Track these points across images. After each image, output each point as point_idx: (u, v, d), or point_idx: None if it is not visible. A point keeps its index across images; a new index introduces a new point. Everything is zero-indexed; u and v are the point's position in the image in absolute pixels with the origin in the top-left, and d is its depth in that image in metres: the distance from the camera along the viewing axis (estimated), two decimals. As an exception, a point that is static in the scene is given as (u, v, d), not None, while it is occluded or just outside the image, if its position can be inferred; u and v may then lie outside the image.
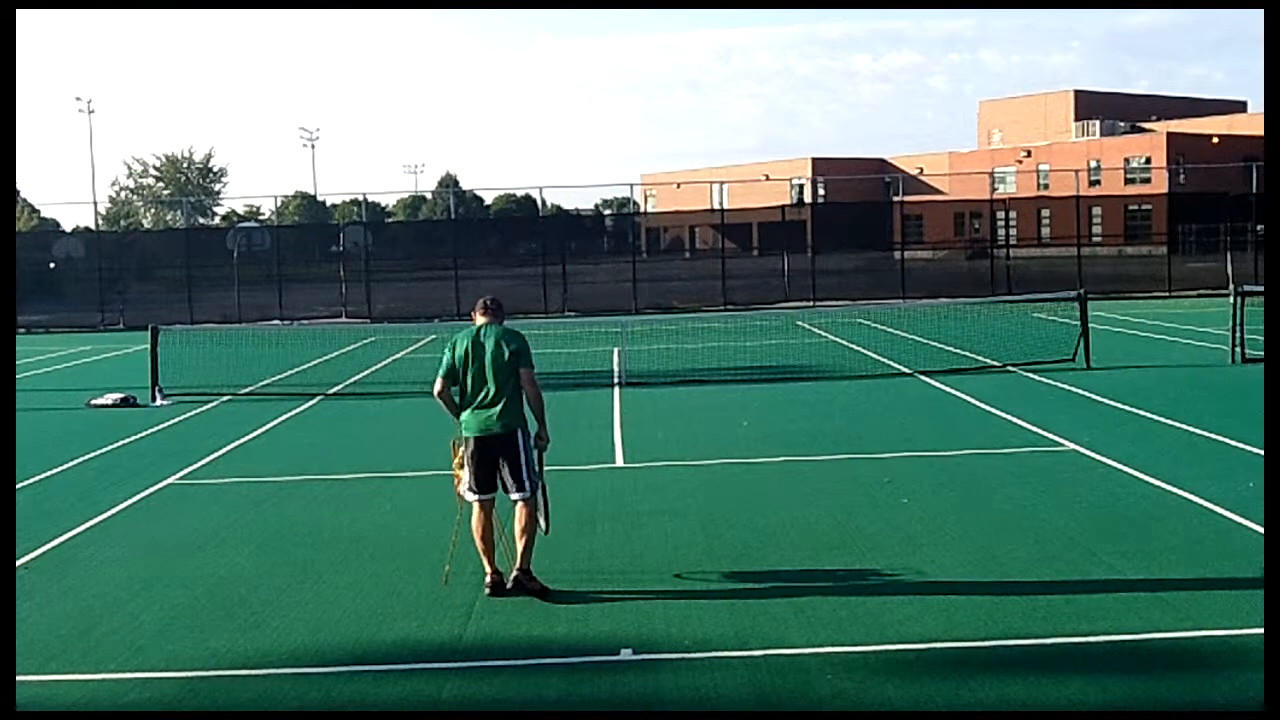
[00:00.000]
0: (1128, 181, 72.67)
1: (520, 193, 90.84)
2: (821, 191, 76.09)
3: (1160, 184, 66.71)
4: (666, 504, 10.86)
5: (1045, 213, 61.20)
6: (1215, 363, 20.14)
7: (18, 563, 9.25)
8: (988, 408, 15.91)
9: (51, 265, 47.06)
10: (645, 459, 13.13)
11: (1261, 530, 9.15)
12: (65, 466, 13.55)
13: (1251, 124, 74.80)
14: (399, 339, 28.91)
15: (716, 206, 52.27)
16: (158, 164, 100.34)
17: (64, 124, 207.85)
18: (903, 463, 12.50)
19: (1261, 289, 20.37)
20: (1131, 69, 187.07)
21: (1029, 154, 79.17)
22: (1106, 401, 16.15)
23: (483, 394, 8.27)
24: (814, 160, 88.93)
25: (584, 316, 36.46)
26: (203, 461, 13.74)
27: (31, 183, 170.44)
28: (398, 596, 8.32)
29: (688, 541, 9.52)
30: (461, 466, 8.53)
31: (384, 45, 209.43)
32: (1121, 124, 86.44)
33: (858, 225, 58.73)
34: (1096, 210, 62.49)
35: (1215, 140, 73.28)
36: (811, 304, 38.18)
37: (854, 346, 24.54)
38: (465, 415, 8.35)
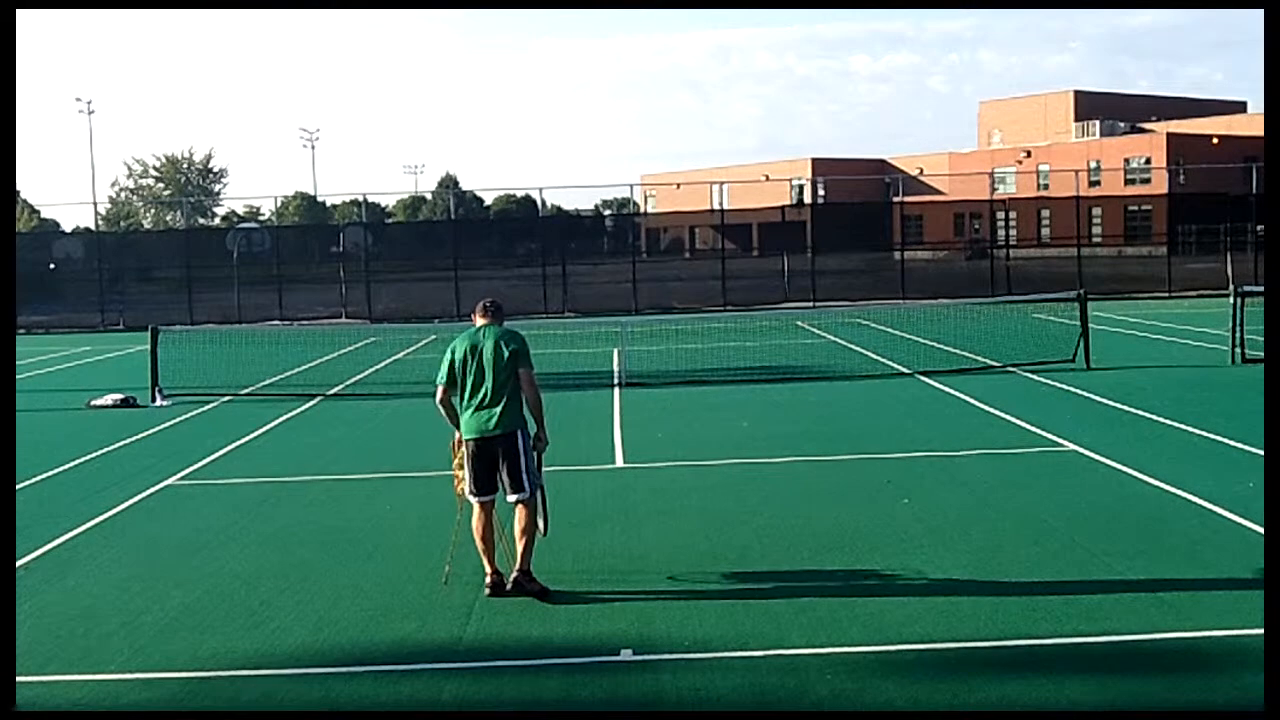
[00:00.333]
0: (1128, 182, 72.69)
1: (520, 193, 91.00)
2: (821, 192, 76.06)
3: (1160, 184, 66.73)
4: (666, 504, 10.87)
5: (1045, 213, 61.24)
6: (1215, 363, 20.14)
7: (18, 563, 9.25)
8: (988, 408, 15.91)
9: (51, 266, 47.08)
10: (645, 459, 13.13)
11: (1261, 530, 9.15)
12: (65, 467, 13.56)
13: (1251, 124, 74.82)
14: (399, 339, 28.92)
15: (716, 207, 52.25)
16: (158, 164, 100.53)
17: (64, 124, 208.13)
18: (903, 463, 12.51)
19: (1261, 289, 20.37)
20: (1131, 69, 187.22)
21: (1029, 154, 79.19)
22: (1106, 402, 16.15)
23: (482, 395, 8.27)
24: (814, 160, 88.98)
25: (584, 317, 36.45)
26: (203, 462, 13.74)
27: (31, 183, 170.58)
28: (398, 596, 8.32)
29: (687, 542, 9.52)
30: (461, 467, 8.53)
31: (384, 46, 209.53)
32: (1121, 124, 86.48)
33: (858, 226, 58.68)
34: (1096, 211, 62.52)
35: (1215, 141, 73.28)
36: (811, 304, 38.17)
37: (854, 347, 24.54)
38: (464, 416, 8.35)
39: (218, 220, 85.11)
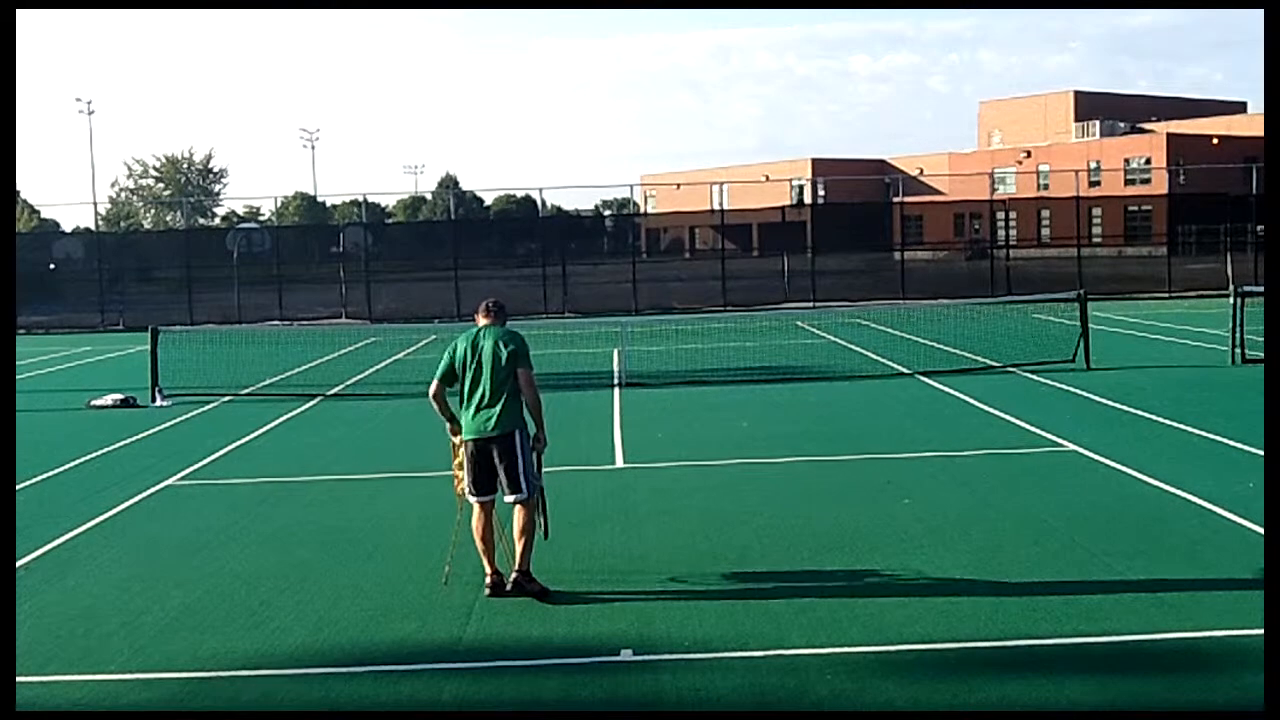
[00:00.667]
0: (1128, 182, 72.70)
1: (520, 193, 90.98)
2: (821, 192, 76.07)
3: (1160, 185, 66.73)
4: (666, 504, 10.87)
5: (1045, 213, 61.25)
6: (1215, 363, 20.14)
7: (18, 563, 9.25)
8: (988, 408, 15.91)
9: (51, 266, 47.08)
10: (645, 459, 13.13)
11: (1261, 530, 9.15)
12: (65, 467, 13.56)
13: (1251, 124, 74.84)
14: (399, 340, 28.92)
15: (716, 207, 52.27)
16: (158, 164, 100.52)
17: (64, 124, 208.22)
18: (903, 463, 12.51)
19: (1261, 290, 20.37)
20: (1131, 69, 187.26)
21: (1029, 154, 79.20)
22: (1106, 402, 16.15)
23: (481, 395, 8.27)
24: (814, 161, 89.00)
25: (584, 317, 36.45)
26: (203, 462, 13.74)
27: (31, 183, 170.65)
28: (398, 596, 8.32)
29: (687, 542, 9.52)
30: (461, 467, 8.53)
31: (384, 46, 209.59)
32: (1121, 124, 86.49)
33: (858, 226, 58.74)
34: (1096, 211, 62.52)
35: (1215, 141, 73.29)
36: (811, 304, 38.16)
37: (854, 347, 24.54)
38: (464, 417, 8.35)
39: (218, 220, 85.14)
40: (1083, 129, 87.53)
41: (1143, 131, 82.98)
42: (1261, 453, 11.84)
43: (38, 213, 75.07)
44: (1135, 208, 67.50)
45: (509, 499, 8.26)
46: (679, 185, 73.87)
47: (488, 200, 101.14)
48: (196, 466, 13.48)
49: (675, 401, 17.76)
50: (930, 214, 69.95)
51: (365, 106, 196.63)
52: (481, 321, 8.58)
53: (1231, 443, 12.85)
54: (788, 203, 67.97)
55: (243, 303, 39.95)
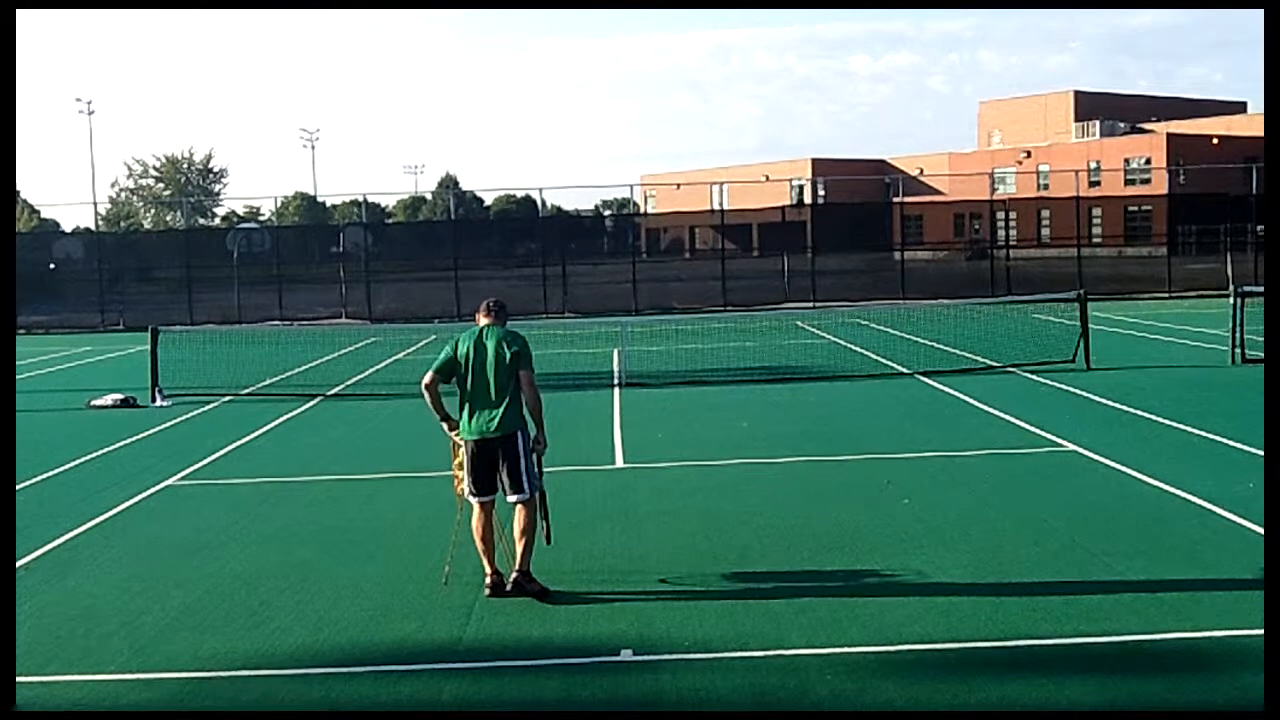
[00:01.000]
0: (1128, 182, 72.70)
1: (520, 193, 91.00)
2: (821, 192, 76.08)
3: (1160, 185, 66.75)
4: (666, 504, 10.86)
5: (1045, 213, 61.26)
6: (1215, 363, 20.14)
7: (18, 563, 9.25)
8: (988, 408, 15.91)
9: (51, 266, 47.08)
10: (645, 459, 13.13)
11: (1261, 530, 9.15)
12: (65, 467, 13.55)
13: (1251, 125, 74.84)
14: (399, 340, 28.91)
15: (716, 207, 52.29)
16: (158, 164, 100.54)
17: (64, 124, 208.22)
18: (903, 463, 12.51)
19: (1261, 290, 20.37)
20: (1131, 70, 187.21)
21: (1029, 155, 79.20)
22: (1106, 402, 16.15)
23: (483, 396, 8.26)
24: (814, 161, 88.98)
25: (584, 317, 36.45)
26: (203, 462, 13.74)
27: (31, 183, 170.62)
28: (398, 596, 8.32)
29: (688, 542, 9.52)
30: (461, 467, 8.53)
31: (384, 46, 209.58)
32: (1121, 125, 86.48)
33: (858, 226, 58.73)
34: (1096, 211, 62.53)
35: (1215, 141, 73.29)
36: (811, 305, 38.16)
37: (854, 347, 24.54)
38: (464, 417, 8.34)
39: (218, 220, 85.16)
40: (1083, 129, 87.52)
41: (1143, 131, 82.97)
42: (1261, 453, 11.84)
43: (38, 213, 75.12)
44: (1135, 208, 67.51)
45: (511, 499, 8.26)
46: (679, 185, 73.88)
47: (488, 200, 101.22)
48: (196, 466, 13.48)
49: (675, 401, 17.76)
50: (930, 214, 69.95)
51: (365, 106, 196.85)
52: (483, 321, 8.57)
53: (1231, 443, 12.85)
54: (788, 203, 67.96)
55: (243, 303, 39.95)
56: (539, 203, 49.80)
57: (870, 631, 7.34)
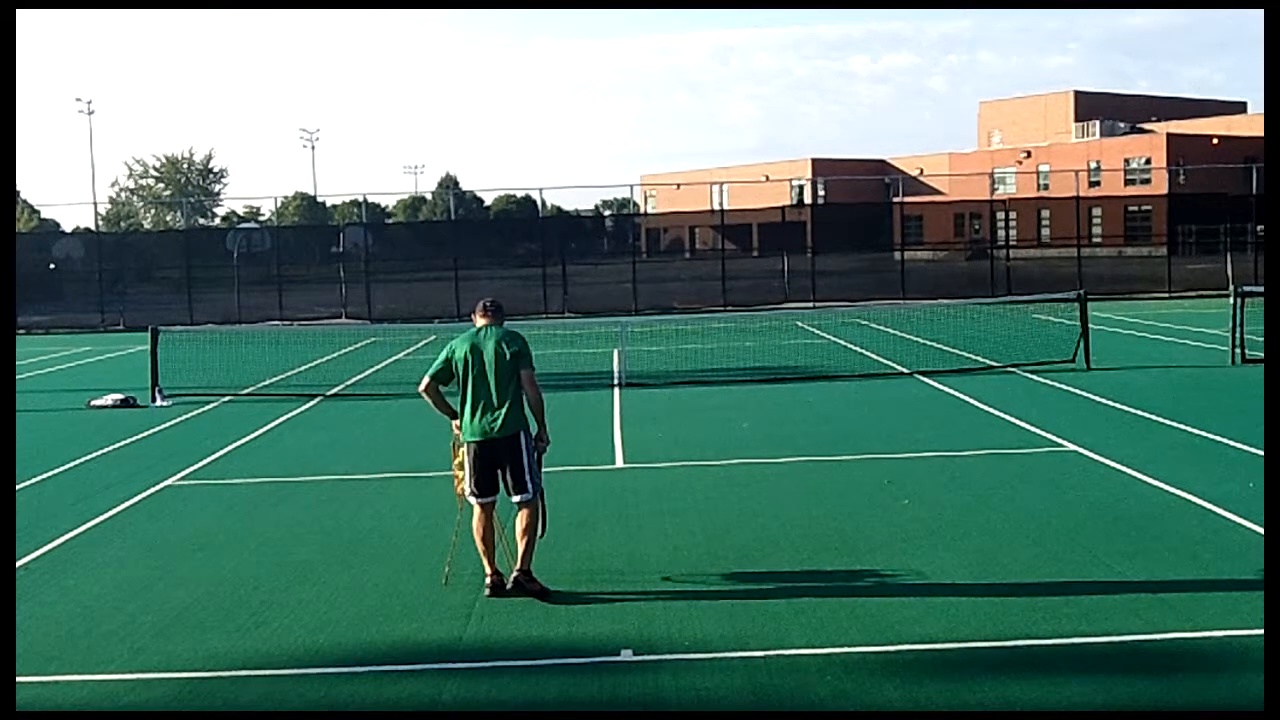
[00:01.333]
0: (1127, 182, 72.70)
1: (520, 193, 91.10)
2: (821, 192, 76.12)
3: (1160, 185, 66.73)
4: (666, 505, 10.86)
5: (1045, 213, 61.27)
6: (1215, 363, 20.14)
7: (18, 563, 9.25)
8: (988, 408, 15.91)
9: (51, 266, 47.10)
10: (645, 460, 13.13)
11: (1261, 530, 9.15)
12: (65, 467, 13.55)
13: (1251, 125, 74.85)
14: (399, 340, 28.92)
15: (716, 207, 52.31)
16: (158, 164, 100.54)
17: (64, 124, 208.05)
18: (903, 463, 12.50)
19: (1261, 290, 20.37)
20: (1130, 70, 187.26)
21: (1029, 155, 79.19)
22: (1106, 402, 16.15)
23: (485, 397, 8.25)
24: (814, 161, 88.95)
25: (584, 317, 36.45)
26: (203, 462, 13.74)
27: (31, 183, 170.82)
28: (398, 597, 8.31)
29: (688, 542, 9.52)
30: (461, 467, 8.53)
31: (384, 45, 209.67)
32: (1121, 125, 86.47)
33: (858, 226, 58.79)
34: (1096, 211, 62.53)
35: (1215, 141, 73.29)
36: (811, 305, 38.16)
37: (854, 347, 24.54)
38: (466, 419, 8.33)
39: (218, 220, 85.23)
40: (1083, 129, 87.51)
41: (1143, 132, 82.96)
42: (1261, 453, 11.84)
43: (38, 213, 75.13)
44: (1135, 208, 67.49)
45: (515, 500, 8.26)
46: (679, 185, 73.88)
47: (488, 200, 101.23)
48: (196, 466, 13.47)
49: (675, 401, 17.75)
50: (930, 214, 69.94)
51: (365, 106, 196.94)
52: (479, 321, 8.55)
53: (1231, 443, 12.85)
54: (788, 203, 67.99)
55: (243, 303, 39.96)
56: (539, 203, 49.82)
57: (870, 631, 7.33)
